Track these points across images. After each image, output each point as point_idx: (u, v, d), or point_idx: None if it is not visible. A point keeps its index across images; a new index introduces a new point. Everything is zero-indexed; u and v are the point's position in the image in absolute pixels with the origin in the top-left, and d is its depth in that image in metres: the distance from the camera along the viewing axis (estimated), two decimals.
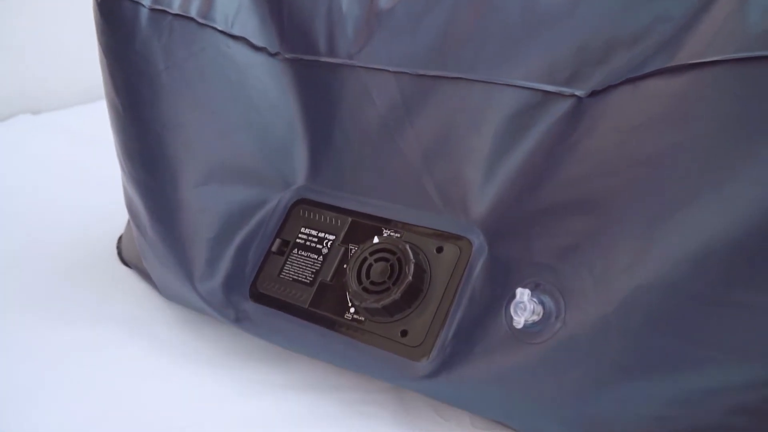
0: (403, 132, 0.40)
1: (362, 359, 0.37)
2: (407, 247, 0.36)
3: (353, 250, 0.39)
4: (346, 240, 0.40)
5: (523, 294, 0.32)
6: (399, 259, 0.36)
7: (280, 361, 0.43)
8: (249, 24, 0.45)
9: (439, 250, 0.37)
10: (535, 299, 0.32)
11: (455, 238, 0.36)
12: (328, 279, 0.39)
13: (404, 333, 0.35)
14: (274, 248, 0.42)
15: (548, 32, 0.36)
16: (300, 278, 0.40)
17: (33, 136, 0.78)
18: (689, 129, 0.30)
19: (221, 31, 0.45)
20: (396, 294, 0.35)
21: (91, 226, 0.59)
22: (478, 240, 0.36)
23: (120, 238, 0.56)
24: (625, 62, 0.33)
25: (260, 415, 0.39)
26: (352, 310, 0.38)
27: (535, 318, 0.31)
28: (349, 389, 0.41)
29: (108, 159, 0.48)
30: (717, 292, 0.28)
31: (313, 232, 0.41)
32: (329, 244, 0.40)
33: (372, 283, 0.37)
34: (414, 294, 0.36)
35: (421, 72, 0.40)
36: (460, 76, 0.38)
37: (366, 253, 0.38)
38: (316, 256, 0.40)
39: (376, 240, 0.38)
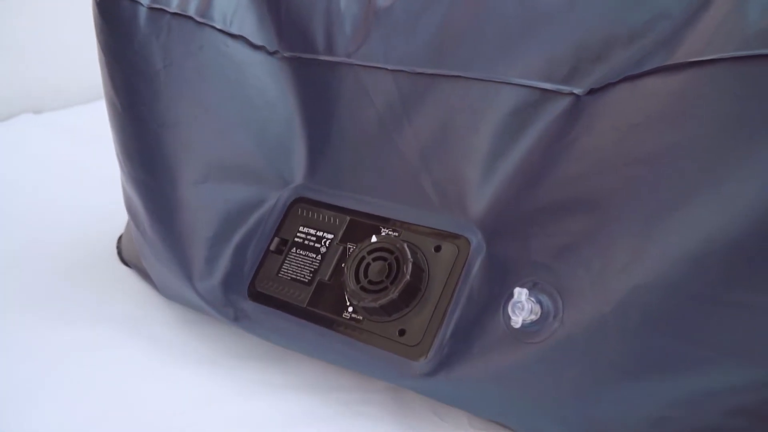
0: (400, 130, 0.40)
1: (360, 358, 0.36)
2: (405, 246, 0.36)
3: (351, 249, 0.39)
4: (345, 239, 0.40)
5: (521, 293, 0.32)
6: (397, 259, 0.36)
7: (278, 361, 0.43)
8: (247, 22, 0.45)
9: (437, 249, 0.36)
10: (533, 299, 0.32)
11: (453, 237, 0.36)
12: (326, 278, 0.39)
13: (402, 332, 0.35)
14: (272, 247, 0.42)
15: (546, 30, 0.36)
16: (298, 277, 0.40)
17: (34, 135, 0.79)
18: (688, 127, 0.29)
19: (219, 30, 0.44)
20: (394, 293, 0.35)
21: (91, 226, 0.59)
22: (476, 239, 0.35)
23: (120, 238, 0.56)
24: (624, 60, 0.33)
25: (258, 416, 0.39)
26: (350, 309, 0.37)
27: (533, 317, 0.31)
28: (347, 389, 0.41)
29: (108, 159, 0.48)
30: (716, 292, 0.28)
31: (312, 231, 0.41)
32: (327, 243, 0.40)
33: (370, 282, 0.37)
34: (412, 293, 0.36)
35: (419, 70, 0.40)
36: (457, 74, 0.38)
37: (364, 253, 0.38)
38: (314, 255, 0.40)
39: (374, 239, 0.38)
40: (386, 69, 0.41)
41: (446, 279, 0.35)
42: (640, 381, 0.29)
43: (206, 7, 0.45)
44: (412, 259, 0.36)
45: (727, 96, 0.28)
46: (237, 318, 0.41)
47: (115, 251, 0.56)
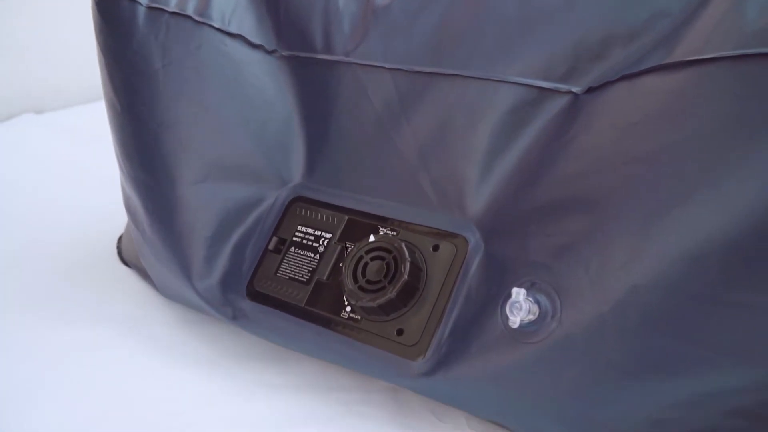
0: (399, 129, 0.40)
1: (358, 358, 0.36)
2: (403, 245, 0.36)
3: (349, 249, 0.39)
4: (343, 238, 0.40)
5: (518, 293, 0.31)
6: (395, 258, 0.36)
7: (278, 361, 0.43)
8: (246, 21, 0.45)
9: (435, 248, 0.36)
10: (530, 298, 0.31)
11: (451, 236, 0.36)
12: (325, 277, 0.39)
13: (400, 332, 0.35)
14: (270, 246, 0.42)
15: (545, 28, 0.36)
16: (296, 276, 0.40)
17: (35, 135, 0.79)
18: (686, 126, 0.29)
19: (218, 29, 0.44)
20: (392, 293, 0.35)
21: (91, 226, 0.59)
22: (474, 238, 0.35)
23: (120, 238, 0.56)
24: (623, 59, 0.33)
25: (258, 416, 0.39)
26: (348, 308, 0.37)
27: (531, 317, 0.31)
28: (346, 390, 0.40)
29: (109, 159, 0.48)
30: (715, 292, 0.27)
31: (310, 231, 0.41)
32: (326, 242, 0.40)
33: (368, 281, 0.36)
34: (410, 293, 0.35)
35: (417, 69, 0.40)
36: (455, 72, 0.38)
37: (362, 252, 0.37)
38: (312, 255, 0.40)
39: (372, 238, 0.38)
40: (384, 68, 0.41)
41: (444, 278, 0.35)
42: (639, 381, 0.29)
43: (205, 6, 0.45)
44: (410, 259, 0.36)
45: (726, 95, 0.28)
46: (235, 317, 0.41)
47: (115, 251, 0.56)
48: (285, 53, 0.44)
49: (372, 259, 0.37)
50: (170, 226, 0.43)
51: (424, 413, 0.38)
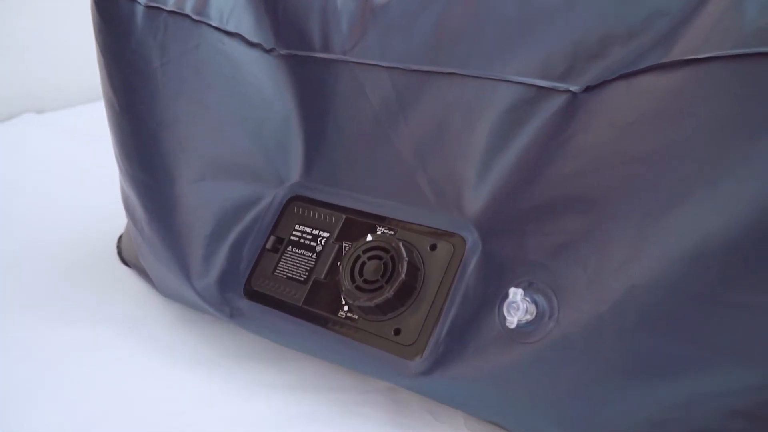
0: (396, 128, 0.40)
1: (356, 357, 0.36)
2: (400, 245, 0.36)
3: (347, 248, 0.39)
4: (340, 237, 0.39)
5: (516, 294, 0.31)
6: (392, 257, 0.36)
7: (276, 361, 0.43)
8: (244, 20, 0.45)
9: (433, 247, 0.36)
10: (528, 298, 0.31)
11: (449, 235, 0.36)
12: (322, 277, 0.39)
13: (397, 331, 0.35)
14: (268, 245, 0.41)
15: (543, 27, 0.36)
16: (294, 276, 0.40)
17: (36, 135, 0.79)
18: (684, 126, 0.29)
19: (216, 28, 0.44)
20: (389, 292, 0.35)
21: (91, 226, 0.59)
22: (471, 237, 0.35)
23: (120, 238, 0.56)
24: (621, 57, 0.33)
25: (256, 416, 0.39)
26: (345, 308, 0.37)
27: (528, 317, 0.31)
28: (344, 390, 0.40)
29: (109, 159, 0.48)
30: (714, 292, 0.27)
31: (308, 230, 0.41)
32: (323, 241, 0.40)
33: (365, 281, 0.36)
34: (407, 292, 0.35)
35: (415, 67, 0.39)
36: (453, 71, 0.38)
37: (359, 251, 0.37)
38: (310, 254, 0.40)
39: (369, 238, 0.38)
40: (382, 66, 0.41)
41: (442, 278, 0.35)
42: (638, 382, 0.29)
43: (203, 5, 0.44)
44: (407, 258, 0.35)
45: (725, 94, 0.28)
46: (233, 316, 0.41)
47: (115, 251, 0.56)
48: (283, 52, 0.44)
49: (369, 258, 0.37)
50: (169, 225, 0.43)
51: (421, 413, 0.38)
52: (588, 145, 0.32)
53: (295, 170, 0.43)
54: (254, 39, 0.44)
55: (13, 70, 0.84)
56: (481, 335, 0.33)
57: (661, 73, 0.30)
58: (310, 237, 0.41)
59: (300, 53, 0.44)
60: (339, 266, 0.38)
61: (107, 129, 0.47)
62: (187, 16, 0.44)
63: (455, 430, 0.36)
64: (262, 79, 0.44)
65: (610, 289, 0.29)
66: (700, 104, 0.29)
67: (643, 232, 0.29)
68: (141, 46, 0.44)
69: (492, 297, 0.33)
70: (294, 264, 0.40)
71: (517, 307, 0.31)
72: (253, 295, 0.41)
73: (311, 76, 0.43)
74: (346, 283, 0.37)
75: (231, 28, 0.44)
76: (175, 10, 0.44)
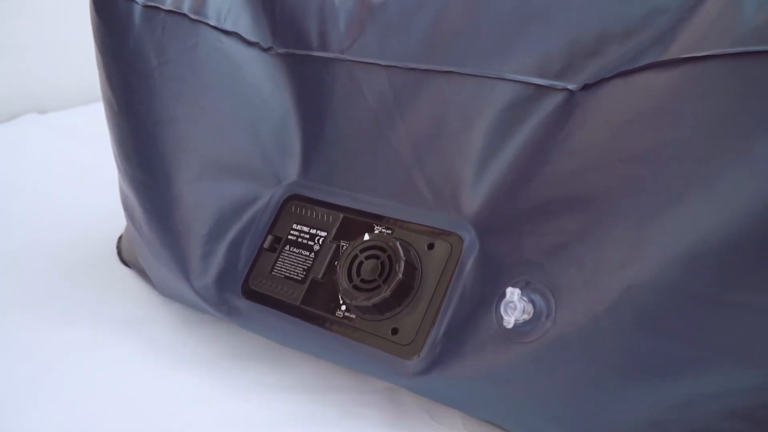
0: (393, 127, 0.39)
1: (354, 357, 0.36)
2: (398, 244, 0.36)
3: (344, 247, 0.39)
4: (338, 236, 0.39)
5: (513, 293, 0.31)
6: (389, 257, 0.36)
7: (275, 361, 0.43)
8: (241, 19, 0.44)
9: (431, 246, 0.36)
10: (525, 298, 0.31)
11: (446, 234, 0.36)
12: (320, 276, 0.39)
13: (395, 331, 0.35)
14: (266, 245, 0.41)
15: (540, 25, 0.35)
16: (291, 275, 0.40)
17: (37, 135, 0.79)
18: (682, 124, 0.29)
19: (213, 27, 0.44)
20: (386, 292, 0.35)
21: (91, 226, 0.59)
22: (469, 236, 0.35)
23: (120, 238, 0.56)
24: (619, 55, 0.32)
25: (254, 416, 0.39)
26: (343, 307, 0.37)
27: (526, 317, 0.31)
28: (342, 390, 0.40)
29: (110, 159, 0.48)
30: (712, 292, 0.27)
31: (305, 229, 0.41)
32: (321, 240, 0.40)
33: (363, 280, 0.36)
34: (405, 291, 0.35)
35: (412, 66, 0.39)
36: (451, 69, 0.38)
37: (356, 251, 0.37)
38: (307, 253, 0.40)
39: (366, 237, 0.38)
40: (379, 65, 0.41)
41: (439, 277, 0.35)
42: (636, 382, 0.29)
43: (200, 4, 0.44)
44: (404, 258, 0.35)
45: (723, 92, 0.28)
46: (231, 315, 0.41)
47: (115, 251, 0.56)
48: (281, 51, 0.44)
49: (367, 257, 0.37)
50: (167, 224, 0.43)
51: (419, 414, 0.38)
52: (585, 143, 0.32)
53: (292, 169, 0.43)
54: (252, 38, 0.44)
55: (13, 71, 0.84)
56: (478, 335, 0.33)
57: (658, 71, 0.30)
58: (307, 236, 0.40)
59: (297, 52, 0.44)
60: (336, 266, 0.38)
61: (107, 129, 0.47)
62: (184, 15, 0.44)
63: (453, 430, 0.36)
64: (260, 78, 0.44)
65: (608, 289, 0.29)
66: (697, 102, 0.28)
67: (640, 232, 0.29)
68: (139, 45, 0.44)
69: (489, 296, 0.33)
70: (291, 263, 0.40)
71: (514, 306, 0.31)
72: (250, 294, 0.41)
73: (309, 75, 0.43)
74: (343, 282, 0.37)
75: (228, 27, 0.44)
76: (173, 9, 0.44)
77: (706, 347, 0.27)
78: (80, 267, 0.54)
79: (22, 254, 0.56)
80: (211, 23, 0.44)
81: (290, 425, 0.38)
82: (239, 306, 0.41)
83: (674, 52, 0.30)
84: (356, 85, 0.41)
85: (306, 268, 0.39)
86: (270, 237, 0.41)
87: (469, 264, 0.34)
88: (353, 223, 0.39)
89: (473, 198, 0.35)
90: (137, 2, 0.44)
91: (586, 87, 0.33)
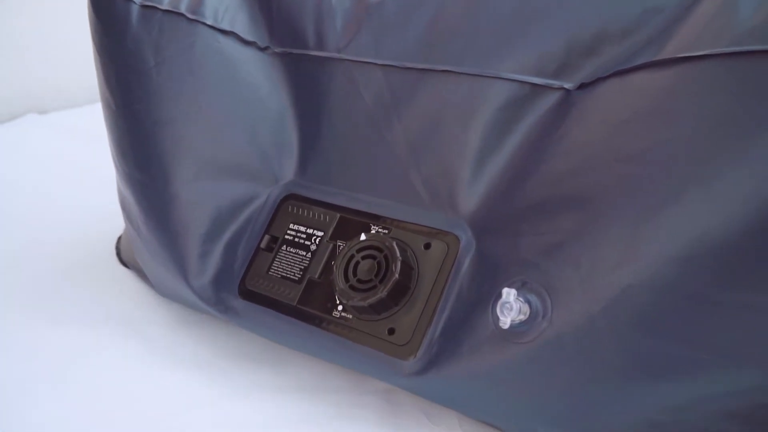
0: (390, 126, 0.39)
1: (350, 357, 0.36)
2: (394, 244, 0.36)
3: (341, 247, 0.38)
4: (335, 236, 0.39)
5: (509, 294, 0.31)
6: (386, 257, 0.36)
7: (273, 362, 0.43)
8: (238, 18, 0.44)
9: (427, 246, 0.36)
10: (521, 298, 0.31)
11: (443, 234, 0.36)
12: (317, 276, 0.39)
13: (391, 331, 0.35)
14: (263, 245, 0.41)
15: (537, 24, 0.35)
16: (288, 275, 0.40)
17: (38, 135, 0.79)
18: (678, 124, 0.29)
19: (211, 26, 0.44)
20: (383, 292, 0.35)
21: (91, 226, 0.59)
22: (465, 236, 0.35)
23: (119, 239, 0.56)
24: (616, 55, 0.32)
25: (251, 417, 0.39)
26: (340, 307, 0.37)
27: (522, 317, 0.31)
28: (339, 391, 0.40)
29: (110, 159, 0.48)
30: (708, 293, 0.27)
31: (302, 229, 0.41)
32: (317, 240, 0.40)
33: (359, 281, 0.36)
34: (401, 292, 0.35)
35: (409, 65, 0.39)
36: (447, 69, 0.38)
37: (353, 251, 0.37)
38: (304, 253, 0.40)
39: (363, 237, 0.37)
40: (376, 64, 0.40)
41: (436, 277, 0.35)
42: (633, 383, 0.28)
43: (197, 4, 0.44)
44: (401, 258, 0.35)
45: (718, 92, 0.27)
46: (228, 315, 0.41)
47: (114, 251, 0.56)
48: (277, 50, 0.44)
49: (363, 257, 0.37)
50: (165, 224, 0.43)
51: (417, 415, 0.38)
52: (582, 143, 0.32)
53: (289, 169, 0.42)
54: (249, 37, 0.44)
55: (13, 71, 0.84)
56: (474, 335, 0.33)
57: (655, 70, 0.30)
58: (304, 236, 0.40)
59: (294, 51, 0.44)
60: (333, 266, 0.38)
61: None
62: (182, 15, 0.44)
63: (450, 431, 0.36)
64: (257, 77, 0.44)
65: (604, 289, 0.29)
66: (694, 102, 0.28)
67: (637, 231, 0.29)
68: (136, 45, 0.44)
69: (485, 296, 0.33)
70: (288, 263, 0.40)
71: (511, 307, 0.31)
72: (247, 294, 0.40)
73: (306, 74, 0.43)
74: (339, 282, 0.37)
75: (225, 27, 0.44)
76: (170, 9, 0.44)
77: (704, 348, 0.27)
78: (80, 267, 0.54)
79: (22, 254, 0.56)
80: (208, 23, 0.44)
81: (287, 426, 0.38)
82: (236, 306, 0.40)
83: (670, 51, 0.30)
84: (353, 85, 0.41)
85: (303, 268, 0.39)
86: (267, 237, 0.41)
87: (466, 264, 0.34)
88: (350, 222, 0.39)
89: (470, 197, 0.35)
90: (134, 2, 0.44)
91: (582, 86, 0.33)
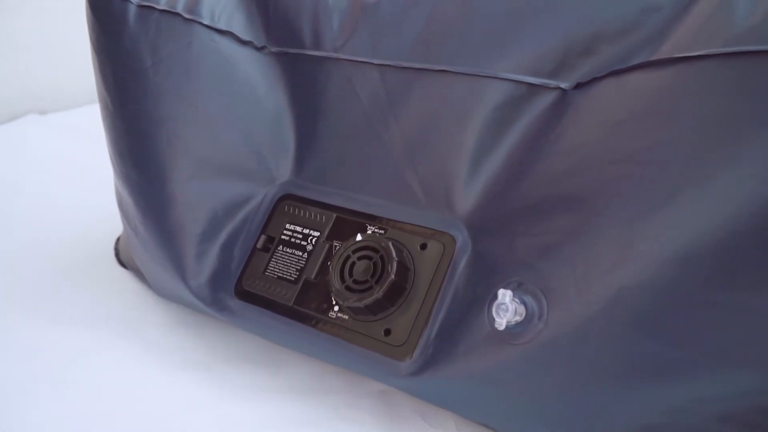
0: (386, 126, 0.39)
1: (346, 357, 0.36)
2: (390, 245, 0.36)
3: (337, 247, 0.38)
4: (331, 236, 0.39)
5: (504, 295, 0.31)
6: (382, 257, 0.36)
7: (270, 364, 0.43)
8: (235, 18, 0.44)
9: (423, 246, 0.36)
10: (517, 300, 0.31)
11: (439, 234, 0.35)
12: (313, 276, 0.39)
13: (387, 332, 0.35)
14: (259, 245, 0.41)
15: (533, 24, 0.35)
16: (285, 275, 0.40)
17: (38, 136, 0.79)
18: (674, 124, 0.28)
19: (207, 26, 0.44)
20: (378, 293, 0.35)
21: (91, 226, 0.59)
22: (461, 236, 0.35)
23: (118, 240, 0.56)
24: (612, 55, 0.32)
25: (248, 419, 0.39)
26: (336, 308, 0.37)
27: (518, 319, 0.30)
28: (335, 393, 0.40)
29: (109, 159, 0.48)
30: (705, 294, 0.26)
31: (298, 229, 0.41)
32: (314, 240, 0.40)
33: (355, 281, 0.36)
34: (397, 292, 0.35)
35: (405, 65, 0.39)
36: (444, 68, 0.37)
37: (349, 251, 0.37)
38: (300, 253, 0.40)
39: (359, 237, 0.37)
40: (372, 63, 0.40)
41: (432, 277, 0.35)
42: (629, 385, 0.28)
43: (194, 3, 0.44)
44: (397, 258, 0.35)
45: (715, 92, 0.27)
46: (225, 315, 0.41)
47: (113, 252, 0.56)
48: (274, 49, 0.44)
49: (359, 258, 0.37)
50: (162, 224, 0.43)
51: (413, 416, 0.38)
52: (578, 143, 0.32)
53: (286, 168, 0.42)
54: (245, 37, 0.44)
55: (13, 71, 0.84)
56: (470, 336, 0.32)
57: (651, 70, 0.30)
58: (300, 236, 0.40)
59: (291, 51, 0.43)
60: (329, 266, 0.38)
61: None
62: (178, 14, 0.44)
63: None
64: (254, 77, 0.44)
65: (601, 290, 0.29)
66: (690, 102, 0.28)
67: (633, 232, 0.28)
68: (133, 45, 0.44)
69: (481, 297, 0.33)
70: (285, 263, 0.40)
71: (506, 308, 0.30)
72: (243, 294, 0.40)
73: (302, 74, 0.43)
74: (335, 283, 0.36)
75: (222, 26, 0.44)
76: (167, 9, 0.44)
77: (701, 349, 0.27)
78: (80, 267, 0.54)
79: (22, 254, 0.56)
80: (205, 22, 0.44)
81: (284, 428, 0.38)
82: (233, 306, 0.40)
83: (667, 51, 0.29)
84: (349, 84, 0.41)
85: (299, 268, 0.39)
86: (263, 237, 0.41)
87: (462, 264, 0.34)
88: (346, 223, 0.39)
89: (466, 197, 0.35)
90: (132, 2, 0.44)
91: (578, 86, 0.33)
